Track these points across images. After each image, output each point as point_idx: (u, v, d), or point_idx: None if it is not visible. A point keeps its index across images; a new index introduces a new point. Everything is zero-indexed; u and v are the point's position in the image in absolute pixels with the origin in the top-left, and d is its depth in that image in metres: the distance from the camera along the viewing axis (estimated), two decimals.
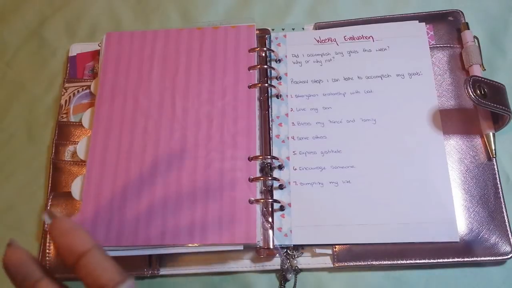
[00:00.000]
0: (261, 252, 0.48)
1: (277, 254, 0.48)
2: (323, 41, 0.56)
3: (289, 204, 0.49)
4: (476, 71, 0.52)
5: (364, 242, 0.47)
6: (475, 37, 0.54)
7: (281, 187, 0.50)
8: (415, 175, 0.49)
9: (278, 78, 0.55)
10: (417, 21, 0.56)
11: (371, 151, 0.50)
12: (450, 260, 0.46)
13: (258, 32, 0.57)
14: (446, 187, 0.48)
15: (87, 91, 0.58)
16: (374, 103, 0.52)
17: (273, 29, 0.58)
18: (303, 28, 0.58)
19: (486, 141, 0.50)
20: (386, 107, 0.52)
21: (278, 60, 0.56)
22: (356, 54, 0.55)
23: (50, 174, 0.55)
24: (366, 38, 0.55)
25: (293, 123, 0.53)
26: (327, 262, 0.48)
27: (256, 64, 0.54)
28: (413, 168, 0.49)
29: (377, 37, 0.55)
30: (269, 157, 0.50)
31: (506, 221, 0.47)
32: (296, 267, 0.48)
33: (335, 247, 0.47)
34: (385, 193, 0.48)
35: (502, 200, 0.48)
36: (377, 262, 0.47)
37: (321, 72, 0.55)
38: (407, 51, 0.54)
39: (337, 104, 0.53)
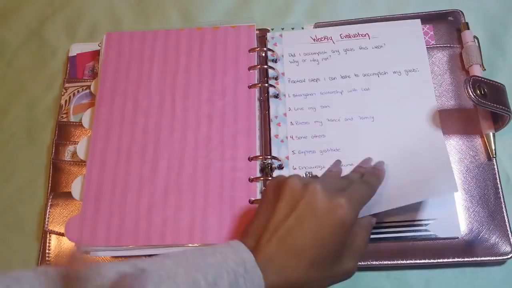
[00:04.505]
0: None
1: None
2: (319, 40, 0.56)
3: None
4: (476, 71, 0.52)
5: None
6: (475, 37, 0.54)
7: None
8: (415, 173, 0.49)
9: (276, 77, 0.55)
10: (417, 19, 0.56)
11: (370, 149, 0.50)
12: (450, 260, 0.46)
13: (258, 32, 0.57)
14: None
15: (87, 91, 0.58)
16: (371, 100, 0.52)
17: (272, 29, 0.58)
18: (302, 28, 0.58)
19: (486, 141, 0.50)
20: (384, 104, 0.52)
21: (275, 60, 0.56)
22: (352, 52, 0.55)
23: (50, 174, 0.55)
24: (362, 35, 0.56)
25: (291, 122, 0.53)
26: None
27: (256, 64, 0.54)
28: (413, 166, 0.49)
29: (373, 34, 0.55)
30: (269, 157, 0.50)
31: (506, 221, 0.47)
32: None
33: None
34: (385, 191, 0.48)
35: (502, 200, 0.48)
36: (377, 262, 0.47)
37: (318, 70, 0.55)
38: (403, 48, 0.54)
39: (335, 102, 0.53)
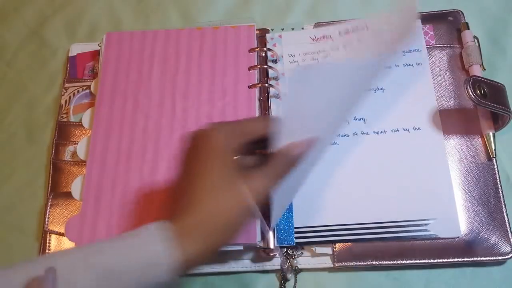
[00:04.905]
0: (261, 252, 0.48)
1: (277, 254, 0.48)
2: (318, 39, 0.56)
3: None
4: (476, 71, 0.52)
5: (364, 239, 0.47)
6: (475, 37, 0.54)
7: None
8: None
9: (276, 78, 0.55)
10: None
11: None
12: (450, 260, 0.46)
13: (258, 32, 0.57)
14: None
15: (87, 91, 0.58)
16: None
17: (272, 29, 0.58)
18: (302, 28, 0.58)
19: (486, 141, 0.50)
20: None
21: (275, 61, 0.56)
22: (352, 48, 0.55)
23: (50, 174, 0.55)
24: (361, 28, 0.56)
25: None
26: (327, 262, 0.48)
27: (256, 64, 0.54)
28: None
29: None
30: None
31: (506, 221, 0.47)
32: (296, 267, 0.48)
33: (335, 247, 0.47)
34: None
35: (502, 200, 0.48)
36: (377, 262, 0.47)
37: None
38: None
39: None
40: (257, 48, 0.55)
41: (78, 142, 0.54)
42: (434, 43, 0.55)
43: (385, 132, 0.51)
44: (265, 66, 0.54)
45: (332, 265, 0.47)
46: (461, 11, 0.56)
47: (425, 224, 0.47)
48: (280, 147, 0.38)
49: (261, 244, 0.47)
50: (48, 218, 0.52)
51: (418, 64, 0.53)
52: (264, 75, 0.54)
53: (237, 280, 0.49)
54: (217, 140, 0.37)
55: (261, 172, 0.37)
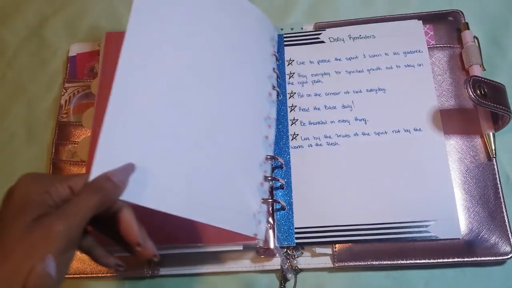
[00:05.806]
0: (261, 252, 0.48)
1: (277, 254, 0.48)
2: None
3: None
4: (476, 71, 0.52)
5: (364, 240, 0.47)
6: (475, 37, 0.54)
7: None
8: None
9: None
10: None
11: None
12: (450, 260, 0.46)
13: None
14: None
15: (87, 91, 0.58)
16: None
17: None
18: (301, 28, 0.58)
19: (486, 141, 0.50)
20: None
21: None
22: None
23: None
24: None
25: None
26: (327, 262, 0.48)
27: None
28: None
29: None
30: (269, 157, 0.50)
31: (506, 221, 0.47)
32: (296, 267, 0.48)
33: (335, 247, 0.48)
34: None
35: (502, 200, 0.48)
36: (377, 262, 0.47)
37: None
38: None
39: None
40: None
41: (78, 142, 0.54)
42: (434, 43, 0.55)
43: (386, 133, 0.51)
44: None
45: (332, 265, 0.48)
46: (461, 11, 0.56)
47: (426, 226, 0.47)
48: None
49: (261, 244, 0.47)
50: None
51: (420, 65, 0.53)
52: None
53: (237, 280, 0.50)
54: (19, 195, 0.34)
55: (56, 215, 0.32)
